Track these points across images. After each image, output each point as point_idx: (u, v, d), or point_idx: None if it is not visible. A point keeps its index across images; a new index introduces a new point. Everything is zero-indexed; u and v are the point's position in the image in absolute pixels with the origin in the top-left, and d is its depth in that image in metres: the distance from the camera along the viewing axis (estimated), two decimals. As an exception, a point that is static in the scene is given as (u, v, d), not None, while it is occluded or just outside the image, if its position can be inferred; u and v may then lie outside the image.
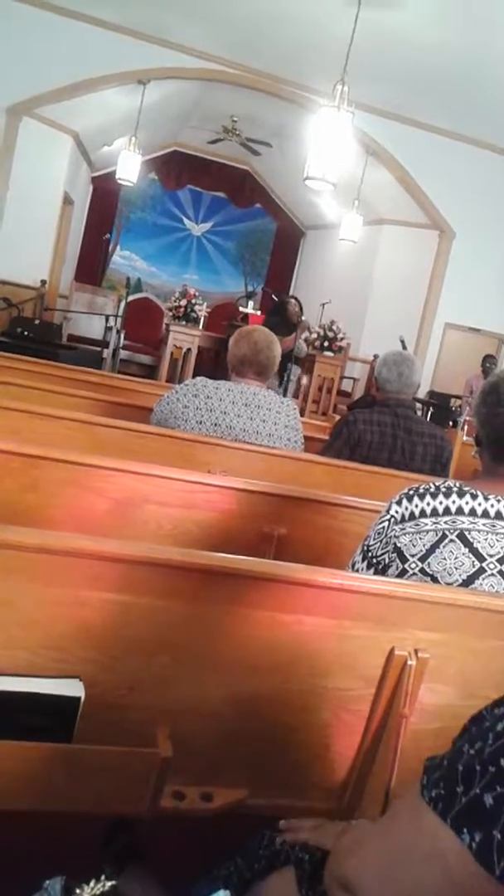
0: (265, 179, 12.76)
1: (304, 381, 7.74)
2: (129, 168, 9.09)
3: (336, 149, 5.36)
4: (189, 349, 8.81)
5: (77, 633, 1.22)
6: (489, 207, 9.44)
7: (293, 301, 6.68)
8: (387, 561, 1.54)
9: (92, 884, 0.87)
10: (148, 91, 8.72)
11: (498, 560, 1.46)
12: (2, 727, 1.16)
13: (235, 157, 12.11)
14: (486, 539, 1.46)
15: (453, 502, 1.49)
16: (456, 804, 0.71)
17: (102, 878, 0.88)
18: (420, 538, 1.49)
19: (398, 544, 1.52)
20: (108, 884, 0.88)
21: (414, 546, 1.50)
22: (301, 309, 6.77)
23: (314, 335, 8.76)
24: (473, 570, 1.46)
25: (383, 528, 1.55)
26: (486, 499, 1.49)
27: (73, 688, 1.20)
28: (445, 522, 1.48)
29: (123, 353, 8.41)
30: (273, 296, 8.37)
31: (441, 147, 9.15)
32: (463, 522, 1.47)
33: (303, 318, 6.48)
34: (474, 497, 1.49)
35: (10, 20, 7.95)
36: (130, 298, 8.24)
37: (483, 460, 1.61)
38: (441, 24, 6.45)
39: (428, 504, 1.51)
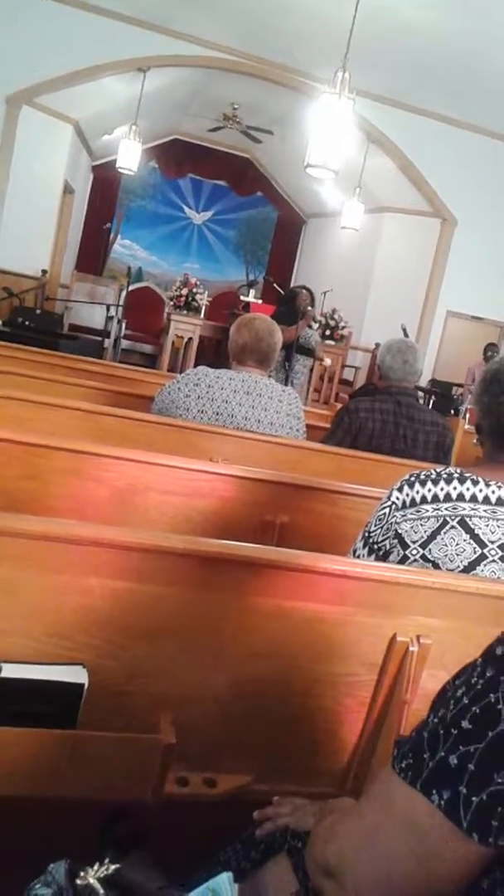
0: (266, 167, 12.70)
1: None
2: (130, 156, 9.05)
3: (337, 136, 5.33)
4: (190, 338, 8.81)
5: (80, 621, 1.22)
6: (491, 195, 9.40)
7: (304, 292, 6.59)
8: (388, 547, 1.54)
9: (96, 867, 0.87)
10: (148, 79, 8.67)
11: (499, 546, 1.46)
12: (6, 714, 1.16)
13: (236, 144, 12.05)
14: (487, 525, 1.46)
15: (454, 489, 1.50)
16: (424, 770, 0.74)
17: (106, 861, 0.89)
18: (421, 524, 1.50)
19: (399, 531, 1.52)
20: (112, 867, 0.89)
21: (415, 532, 1.50)
22: (312, 299, 6.63)
23: (316, 325, 8.73)
24: (475, 556, 1.46)
25: (384, 514, 1.55)
26: (487, 485, 1.49)
27: (76, 674, 1.21)
28: (446, 509, 1.48)
29: (124, 343, 8.40)
30: (275, 285, 8.33)
31: (443, 134, 9.11)
32: (464, 509, 1.47)
33: (310, 308, 6.39)
34: (475, 483, 1.49)
35: (8, 8, 7.91)
36: (131, 288, 8.22)
37: (484, 448, 1.61)
38: (442, 10, 6.42)
39: (429, 490, 1.51)
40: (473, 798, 0.69)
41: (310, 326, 6.46)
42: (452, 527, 1.47)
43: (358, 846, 0.79)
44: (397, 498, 1.55)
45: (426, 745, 0.75)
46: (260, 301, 9.85)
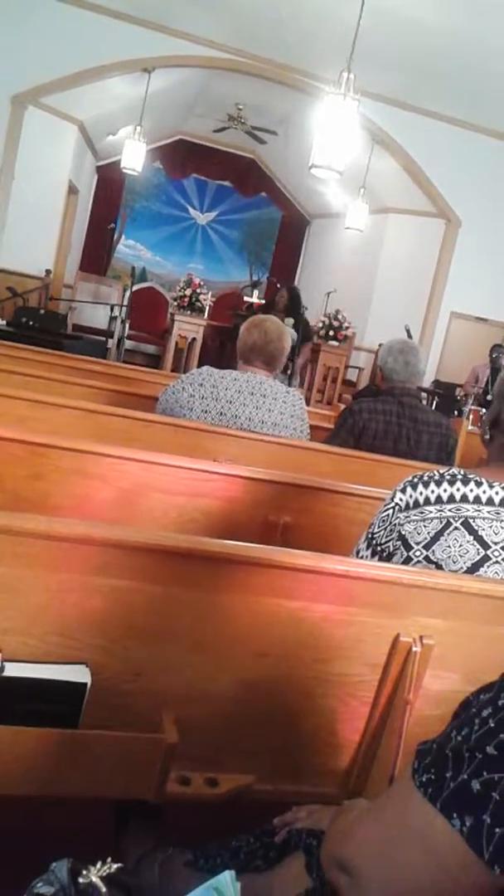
0: (270, 168, 12.70)
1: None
2: (134, 157, 9.06)
3: (342, 137, 5.33)
4: (194, 338, 8.81)
5: (84, 620, 1.22)
6: (496, 196, 9.39)
7: (282, 290, 6.56)
8: (391, 549, 1.54)
9: (98, 865, 0.87)
10: (153, 79, 8.67)
11: (502, 547, 1.46)
12: (9, 712, 1.17)
13: (241, 145, 12.05)
14: (490, 526, 1.46)
15: (458, 490, 1.49)
16: (445, 789, 0.72)
17: (109, 860, 0.89)
18: (424, 526, 1.49)
19: (402, 532, 1.52)
20: (115, 866, 0.89)
21: (418, 534, 1.50)
22: (290, 297, 6.57)
23: (320, 324, 8.73)
24: (478, 557, 1.46)
25: (388, 515, 1.55)
26: (491, 486, 1.48)
27: (80, 674, 1.21)
28: (450, 510, 1.48)
29: (128, 343, 8.40)
30: (279, 285, 8.33)
31: (448, 135, 9.10)
32: (468, 510, 1.47)
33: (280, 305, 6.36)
34: (479, 484, 1.49)
35: (13, 8, 7.92)
36: (135, 288, 8.21)
37: (491, 446, 1.59)
38: (448, 10, 6.41)
39: (432, 492, 1.51)
40: (497, 829, 0.68)
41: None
42: (456, 528, 1.47)
43: (373, 852, 0.79)
44: (400, 499, 1.55)
45: (449, 763, 0.73)
46: (263, 301, 9.85)
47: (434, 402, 7.05)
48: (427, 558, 1.48)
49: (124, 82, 8.75)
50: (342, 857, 0.82)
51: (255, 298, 10.10)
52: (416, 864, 0.73)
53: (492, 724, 0.72)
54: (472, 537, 1.46)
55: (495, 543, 1.46)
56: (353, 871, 0.80)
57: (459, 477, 1.51)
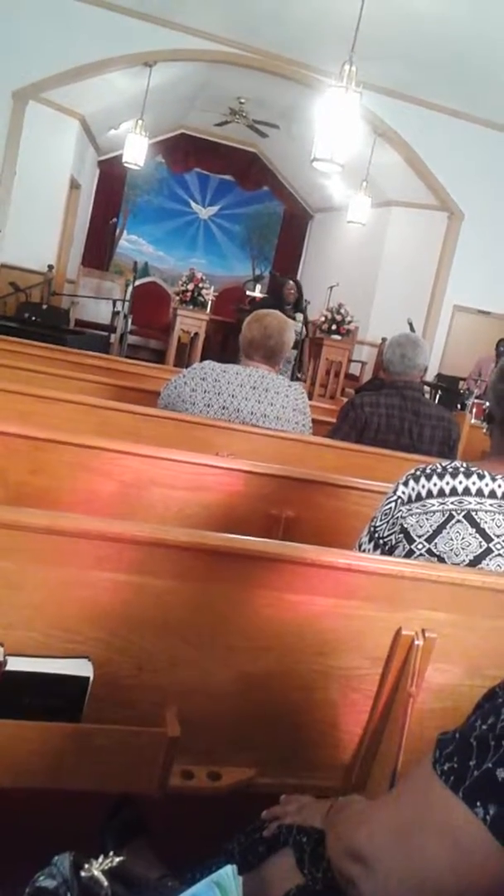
0: (273, 162, 12.67)
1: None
2: (136, 151, 9.05)
3: (344, 130, 5.31)
4: (196, 333, 8.79)
5: (86, 614, 1.23)
6: (499, 189, 9.36)
7: (290, 283, 6.56)
8: (393, 542, 1.53)
9: (101, 859, 0.88)
10: (154, 73, 8.66)
11: (505, 540, 1.46)
12: (13, 706, 1.17)
13: (243, 139, 12.03)
14: (493, 519, 1.46)
15: (460, 483, 1.49)
16: (468, 777, 0.72)
17: (111, 853, 0.89)
18: (427, 519, 1.49)
19: (405, 525, 1.51)
20: (117, 859, 0.89)
21: (421, 527, 1.49)
22: (300, 291, 6.58)
23: (322, 318, 8.71)
24: (480, 550, 1.45)
25: (390, 508, 1.55)
26: (494, 479, 1.48)
27: (82, 668, 1.21)
28: (452, 503, 1.48)
29: (131, 338, 8.39)
30: (279, 276, 8.32)
31: (450, 128, 9.07)
32: (470, 503, 1.47)
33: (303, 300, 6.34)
34: (481, 477, 1.49)
35: (14, 3, 7.90)
36: (137, 283, 8.21)
37: (493, 438, 1.60)
38: (451, 2, 6.38)
39: (434, 484, 1.51)
40: None
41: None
42: (458, 521, 1.47)
43: (391, 840, 0.78)
44: (403, 492, 1.54)
45: (473, 752, 0.73)
46: (265, 295, 9.83)
47: (437, 396, 7.04)
48: (429, 551, 1.48)
49: (126, 76, 8.74)
50: (357, 846, 0.82)
51: (257, 293, 10.08)
52: (436, 853, 0.73)
53: None
54: (474, 530, 1.46)
55: (497, 536, 1.46)
56: (368, 859, 0.79)
57: (462, 470, 1.51)
